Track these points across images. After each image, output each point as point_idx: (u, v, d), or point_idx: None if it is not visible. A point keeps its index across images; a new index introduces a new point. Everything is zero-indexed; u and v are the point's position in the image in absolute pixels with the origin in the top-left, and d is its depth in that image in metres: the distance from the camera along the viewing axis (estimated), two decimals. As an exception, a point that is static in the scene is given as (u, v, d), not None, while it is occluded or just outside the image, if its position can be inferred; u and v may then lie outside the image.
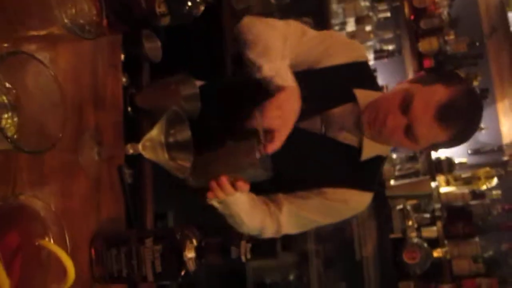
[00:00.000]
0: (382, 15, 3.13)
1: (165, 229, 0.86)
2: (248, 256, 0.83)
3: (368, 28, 3.04)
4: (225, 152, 0.99)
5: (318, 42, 1.24)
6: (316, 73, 1.21)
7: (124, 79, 1.06)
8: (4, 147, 0.55)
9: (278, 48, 1.09)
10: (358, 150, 1.20)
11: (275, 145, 0.99)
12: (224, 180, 0.97)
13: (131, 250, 0.83)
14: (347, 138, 1.21)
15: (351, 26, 3.07)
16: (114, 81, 1.02)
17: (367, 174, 1.25)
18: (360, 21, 3.02)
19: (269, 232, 1.21)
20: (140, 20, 0.90)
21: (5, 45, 0.63)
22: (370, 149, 1.20)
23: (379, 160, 1.25)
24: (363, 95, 1.20)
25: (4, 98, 0.51)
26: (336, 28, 3.01)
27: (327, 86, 1.19)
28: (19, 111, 0.54)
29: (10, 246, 0.48)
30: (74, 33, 0.57)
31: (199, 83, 1.10)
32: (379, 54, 3.13)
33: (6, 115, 0.48)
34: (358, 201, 1.26)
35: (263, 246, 0.85)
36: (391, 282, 2.61)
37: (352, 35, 3.01)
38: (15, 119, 0.54)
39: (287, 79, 1.05)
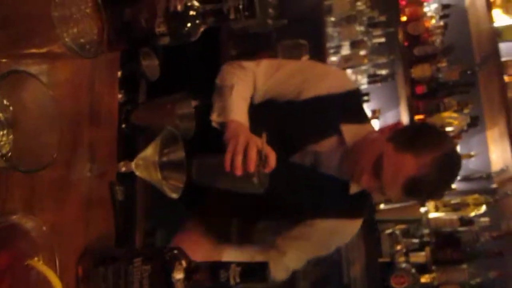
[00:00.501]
0: (376, 40, 3.18)
1: (155, 249, 0.86)
2: (237, 279, 0.82)
3: (362, 52, 3.09)
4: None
5: (296, 73, 1.27)
6: (299, 105, 1.24)
7: (120, 96, 1.06)
8: (-2, 164, 0.55)
9: (231, 89, 1.17)
10: (347, 182, 1.23)
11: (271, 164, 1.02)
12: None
13: (119, 270, 0.82)
14: (336, 173, 1.24)
15: (346, 50, 3.11)
16: (110, 97, 1.03)
17: (357, 203, 1.28)
18: (355, 45, 3.06)
19: (279, 276, 1.27)
20: (140, 39, 0.91)
21: (4, 60, 0.63)
22: (357, 185, 1.22)
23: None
24: (349, 131, 1.22)
25: (1, 115, 0.51)
26: (331, 51, 3.05)
27: (312, 117, 1.22)
28: (15, 128, 0.54)
29: (-1, 266, 0.47)
30: (75, 52, 0.57)
31: (194, 103, 1.11)
32: (373, 79, 3.17)
33: (1, 132, 0.48)
34: (349, 230, 1.31)
35: (252, 270, 0.85)
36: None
37: (347, 59, 3.05)
38: (11, 136, 0.53)
39: (227, 115, 1.13)
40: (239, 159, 0.99)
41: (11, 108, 0.52)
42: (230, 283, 0.82)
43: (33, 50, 0.58)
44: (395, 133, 1.19)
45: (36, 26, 0.57)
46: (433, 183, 1.11)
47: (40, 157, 0.54)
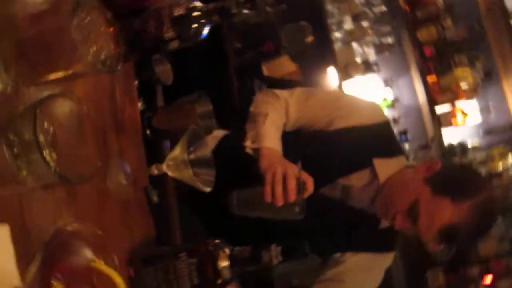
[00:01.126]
0: (377, 10, 3.17)
1: (196, 242, 0.90)
2: (279, 258, 0.86)
3: (365, 24, 3.08)
4: None
5: (328, 102, 1.28)
6: (330, 135, 1.22)
7: (140, 104, 1.11)
8: (46, 181, 0.59)
9: (265, 117, 1.17)
10: (377, 217, 1.22)
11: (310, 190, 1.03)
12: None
13: (168, 266, 0.87)
14: (366, 208, 1.22)
15: (348, 24, 3.11)
16: (131, 106, 1.07)
17: (388, 235, 1.26)
18: (356, 18, 3.06)
19: None
20: (151, 47, 0.95)
21: (32, 87, 0.67)
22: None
23: None
24: (382, 166, 1.20)
25: (43, 137, 0.55)
26: (334, 27, 3.05)
27: (343, 149, 1.20)
28: (56, 146, 0.58)
29: (65, 273, 0.52)
30: (98, 69, 0.62)
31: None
32: (380, 49, 3.16)
33: (45, 152, 0.52)
34: (381, 264, 1.28)
35: (292, 248, 0.89)
36: (419, 272, 2.61)
37: (350, 33, 3.05)
38: (53, 155, 0.58)
39: (261, 141, 1.13)
40: (279, 190, 1.00)
41: (51, 128, 0.56)
42: (273, 263, 0.86)
43: (60, 74, 0.62)
44: (433, 175, 1.14)
45: (58, 51, 0.61)
46: (470, 230, 1.10)
47: (83, 169, 0.58)
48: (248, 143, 1.16)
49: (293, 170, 1.02)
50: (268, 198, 1.00)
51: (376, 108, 1.34)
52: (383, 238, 1.26)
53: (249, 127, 1.19)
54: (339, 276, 1.24)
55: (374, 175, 1.20)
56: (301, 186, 1.02)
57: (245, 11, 1.01)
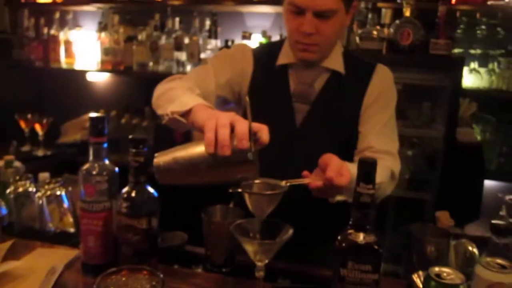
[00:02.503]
0: None
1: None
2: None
3: None
4: None
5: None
6: None
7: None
8: None
9: (178, 92, 1.14)
10: None
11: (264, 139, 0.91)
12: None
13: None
14: None
15: None
16: None
17: None
18: None
19: None
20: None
21: None
22: None
23: None
24: None
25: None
26: None
27: None
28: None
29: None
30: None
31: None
32: None
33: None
34: None
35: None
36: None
37: None
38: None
39: (189, 104, 1.04)
40: (225, 132, 0.84)
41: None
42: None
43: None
44: None
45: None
46: None
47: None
48: (173, 110, 1.05)
49: (240, 118, 0.89)
50: (210, 148, 0.84)
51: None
52: None
53: (165, 105, 1.10)
54: None
55: None
56: (251, 133, 0.86)
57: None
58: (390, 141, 1.31)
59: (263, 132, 0.90)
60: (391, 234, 2.68)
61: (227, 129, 0.85)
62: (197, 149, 0.89)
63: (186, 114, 1.04)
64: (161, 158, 0.92)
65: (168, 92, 1.18)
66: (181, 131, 2.59)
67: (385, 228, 2.68)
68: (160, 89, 1.25)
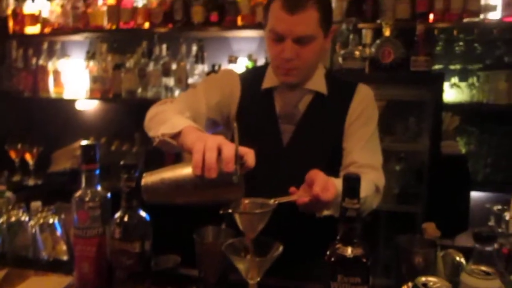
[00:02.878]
0: None
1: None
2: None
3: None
4: None
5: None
6: None
7: None
8: None
9: (169, 114, 1.17)
10: None
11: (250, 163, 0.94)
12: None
13: None
14: None
15: None
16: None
17: None
18: None
19: None
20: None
21: None
22: None
23: None
24: None
25: None
26: None
27: None
28: None
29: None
30: None
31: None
32: None
33: None
34: None
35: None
36: None
37: None
38: None
39: (179, 126, 1.06)
40: (212, 155, 0.87)
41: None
42: None
43: None
44: None
45: None
46: None
47: None
48: (164, 132, 1.07)
49: (227, 142, 0.91)
50: (197, 170, 0.87)
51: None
52: None
53: (156, 128, 1.12)
54: None
55: None
56: (238, 157, 0.89)
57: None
58: (373, 155, 1.35)
59: (249, 156, 0.93)
60: (382, 248, 2.71)
61: (214, 152, 0.88)
62: (185, 171, 0.91)
63: (176, 136, 1.07)
64: (149, 178, 0.94)
65: (159, 115, 1.21)
66: (171, 152, 2.61)
67: (377, 243, 2.70)
68: (151, 112, 1.28)
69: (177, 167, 0.94)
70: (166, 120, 1.13)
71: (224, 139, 0.93)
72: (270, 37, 1.29)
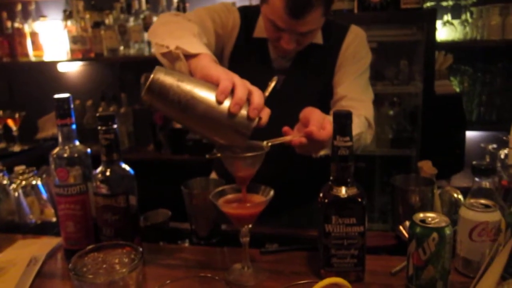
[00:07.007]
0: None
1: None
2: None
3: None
4: None
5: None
6: None
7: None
8: None
9: (185, 32, 1.04)
10: None
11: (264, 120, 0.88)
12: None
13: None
14: None
15: None
16: None
17: None
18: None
19: None
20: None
21: None
22: None
23: None
24: None
25: None
26: None
27: None
28: None
29: None
30: None
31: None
32: None
33: None
34: None
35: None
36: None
37: None
38: None
39: (194, 48, 0.94)
40: (244, 92, 0.82)
41: None
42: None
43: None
44: None
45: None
46: None
47: None
48: (182, 46, 0.93)
49: (258, 89, 0.86)
50: (222, 96, 0.80)
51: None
52: None
53: (168, 38, 0.98)
54: None
55: None
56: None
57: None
58: (364, 91, 1.30)
59: (265, 114, 0.86)
60: (378, 193, 2.70)
61: (246, 90, 0.83)
62: (206, 89, 0.81)
63: (190, 57, 0.93)
64: (162, 76, 0.80)
65: (173, 25, 1.08)
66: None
67: (372, 188, 2.70)
68: (163, 18, 1.15)
69: (198, 82, 0.83)
70: (183, 35, 1.00)
71: (253, 85, 0.86)
72: (267, 22, 1.20)
